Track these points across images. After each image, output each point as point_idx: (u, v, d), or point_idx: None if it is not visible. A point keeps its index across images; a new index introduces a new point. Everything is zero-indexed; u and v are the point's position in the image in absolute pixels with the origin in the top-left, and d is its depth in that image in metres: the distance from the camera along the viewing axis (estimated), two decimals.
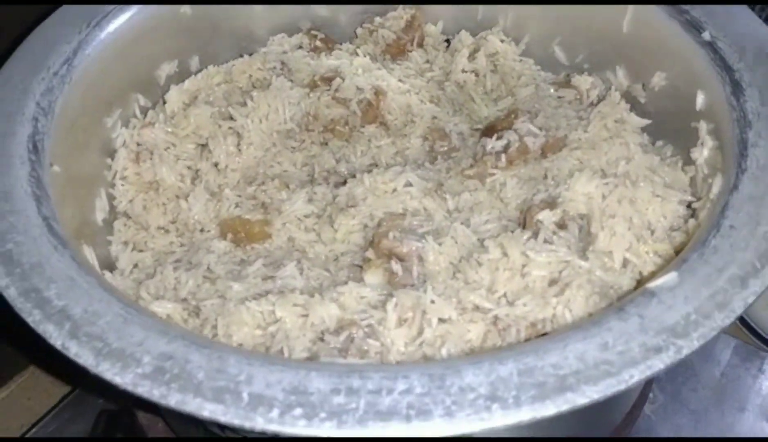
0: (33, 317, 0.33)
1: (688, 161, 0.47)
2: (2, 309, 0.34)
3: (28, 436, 0.53)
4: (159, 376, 0.30)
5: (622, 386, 0.30)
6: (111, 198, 0.51)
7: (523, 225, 0.46)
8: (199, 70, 0.57)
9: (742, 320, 0.59)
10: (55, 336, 0.32)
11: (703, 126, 0.46)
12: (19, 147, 0.42)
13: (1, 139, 0.42)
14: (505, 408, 0.29)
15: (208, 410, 0.29)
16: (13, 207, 0.38)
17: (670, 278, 0.34)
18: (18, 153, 0.41)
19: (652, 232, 0.44)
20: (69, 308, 0.33)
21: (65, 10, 0.50)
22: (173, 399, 0.30)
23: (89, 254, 0.44)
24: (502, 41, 0.60)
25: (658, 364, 0.30)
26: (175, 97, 0.54)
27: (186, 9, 0.54)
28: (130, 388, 0.30)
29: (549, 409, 0.29)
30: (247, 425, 0.29)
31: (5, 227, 0.37)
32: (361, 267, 0.46)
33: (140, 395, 0.30)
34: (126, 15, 0.51)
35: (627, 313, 0.32)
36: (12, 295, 0.34)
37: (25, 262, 0.35)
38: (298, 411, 0.29)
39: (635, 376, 0.30)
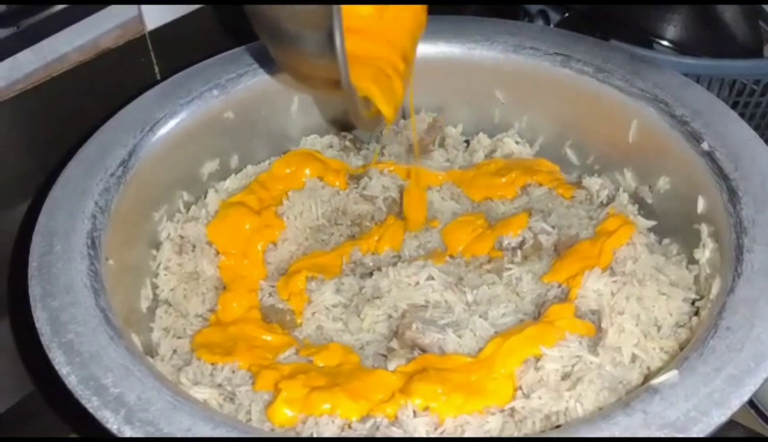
0: (92, 404, 0.37)
1: (693, 260, 0.51)
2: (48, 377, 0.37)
3: None
4: None
5: None
6: (154, 287, 0.55)
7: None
8: (239, 168, 0.62)
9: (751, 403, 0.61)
10: (112, 421, 0.36)
11: (704, 229, 0.50)
12: (79, 243, 0.46)
13: (64, 236, 0.46)
14: None
15: None
16: (74, 299, 0.42)
17: (671, 375, 0.37)
18: (78, 249, 0.46)
19: (659, 328, 0.47)
20: (124, 396, 0.37)
21: (121, 116, 0.56)
22: None
23: (135, 341, 0.47)
24: (516, 143, 0.65)
25: None
26: (214, 197, 0.59)
27: (229, 113, 0.60)
28: None
29: None
30: None
31: (67, 318, 0.41)
32: (385, 356, 0.50)
33: None
34: (175, 120, 0.57)
35: (632, 408, 0.35)
36: (72, 382, 0.38)
37: (84, 351, 0.39)
38: None
39: None
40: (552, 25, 0.73)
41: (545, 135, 0.64)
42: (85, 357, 0.39)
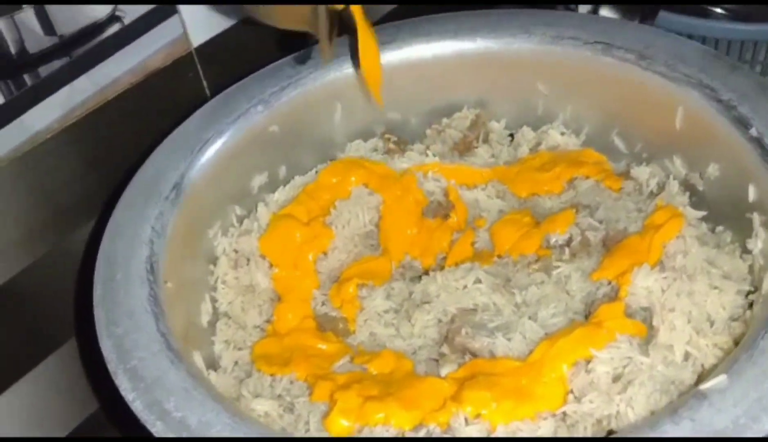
0: (156, 429, 0.39)
1: (747, 250, 0.50)
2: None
3: None
4: None
5: None
6: (213, 301, 0.57)
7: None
8: (287, 179, 0.64)
9: None
10: None
11: (756, 218, 0.49)
12: (138, 268, 0.48)
13: (124, 264, 0.49)
14: None
15: None
16: (136, 325, 0.45)
17: (720, 380, 0.36)
18: (138, 274, 0.48)
19: (712, 323, 0.46)
20: (186, 419, 0.39)
21: (171, 140, 0.58)
22: None
23: (197, 358, 0.50)
24: (562, 134, 0.64)
25: None
26: (264, 210, 0.61)
27: (274, 127, 0.61)
28: None
29: None
30: None
31: (130, 345, 0.43)
32: (437, 361, 0.51)
33: None
34: (222, 139, 0.58)
35: (680, 417, 0.35)
36: (138, 408, 0.40)
37: (147, 376, 0.42)
38: None
39: None
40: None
41: (591, 125, 0.64)
42: (148, 382, 0.41)
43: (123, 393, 0.41)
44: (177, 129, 0.59)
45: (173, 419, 0.39)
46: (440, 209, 0.61)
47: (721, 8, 0.79)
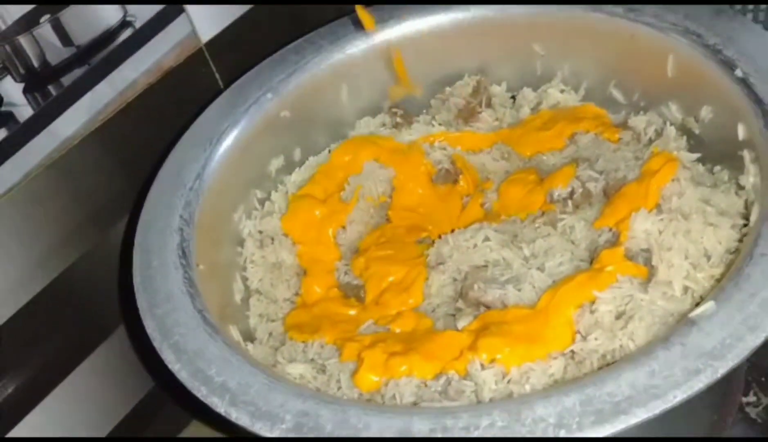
0: (201, 392, 0.43)
1: (742, 186, 0.52)
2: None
3: None
4: (298, 429, 0.40)
5: (668, 405, 0.36)
6: (244, 279, 0.61)
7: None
8: (302, 160, 0.68)
9: None
10: (220, 405, 0.42)
11: (746, 155, 0.51)
12: (172, 255, 0.53)
13: (158, 252, 0.53)
14: (570, 432, 0.36)
15: None
16: (175, 306, 0.49)
17: (708, 306, 0.39)
18: (172, 260, 0.52)
19: (708, 258, 0.49)
20: (227, 383, 0.43)
21: (190, 134, 0.62)
22: None
23: (234, 332, 0.54)
24: (561, 91, 0.67)
25: (699, 384, 0.36)
26: (283, 191, 0.65)
27: (285, 112, 0.65)
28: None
29: (606, 430, 0.36)
30: None
31: (171, 323, 0.48)
32: (454, 316, 0.54)
33: None
34: (237, 128, 0.62)
35: (671, 343, 0.38)
36: (184, 376, 0.44)
37: (189, 349, 0.46)
38: None
39: (678, 396, 0.36)
40: None
41: (589, 80, 0.66)
42: (190, 354, 0.45)
43: (169, 365, 0.45)
44: (194, 123, 0.63)
45: (215, 384, 0.43)
46: (449, 176, 0.64)
47: None
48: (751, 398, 0.60)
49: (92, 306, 0.65)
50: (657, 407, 0.36)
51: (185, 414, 0.72)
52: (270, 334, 0.58)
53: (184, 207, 0.56)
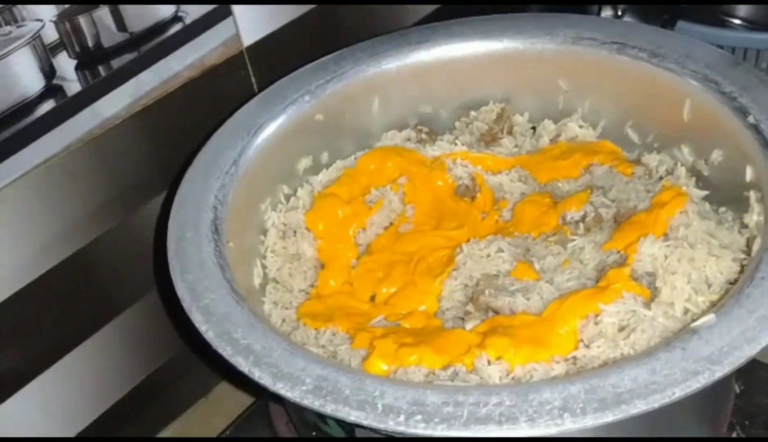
0: (226, 352, 0.46)
1: (745, 225, 0.56)
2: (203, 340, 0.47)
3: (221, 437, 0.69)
4: (318, 392, 0.42)
5: (666, 400, 0.38)
6: (263, 267, 0.64)
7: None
8: (329, 163, 0.71)
9: None
10: (244, 365, 0.45)
11: (752, 195, 0.55)
12: (205, 229, 0.55)
13: (193, 225, 0.56)
14: (574, 416, 0.39)
15: (354, 416, 0.41)
16: (207, 274, 0.52)
17: (709, 318, 0.42)
18: (205, 234, 0.55)
19: (709, 285, 0.52)
20: (251, 345, 0.46)
21: (231, 123, 0.65)
22: (329, 408, 0.41)
23: None
24: (580, 127, 0.71)
25: (696, 384, 0.39)
26: (309, 190, 0.68)
27: (319, 116, 0.68)
28: (298, 400, 0.42)
29: (608, 417, 0.38)
30: (382, 426, 0.40)
31: (203, 288, 0.50)
32: (463, 319, 0.57)
33: (305, 405, 0.42)
34: (275, 124, 0.65)
35: (673, 346, 0.41)
36: (211, 337, 0.47)
37: (218, 312, 0.48)
38: (418, 417, 0.40)
39: (677, 393, 0.39)
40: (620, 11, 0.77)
41: (607, 118, 0.70)
42: (218, 317, 0.48)
43: (197, 325, 0.48)
44: (235, 114, 0.66)
45: (241, 345, 0.46)
46: (468, 192, 0.68)
47: (739, 19, 0.83)
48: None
49: (109, 282, 0.68)
50: (656, 401, 0.38)
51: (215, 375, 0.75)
52: (283, 320, 0.60)
53: (219, 188, 0.59)
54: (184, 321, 0.49)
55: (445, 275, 0.59)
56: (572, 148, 0.68)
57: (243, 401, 0.75)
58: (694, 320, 0.48)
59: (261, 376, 0.44)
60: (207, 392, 0.79)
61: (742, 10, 0.81)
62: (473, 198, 0.67)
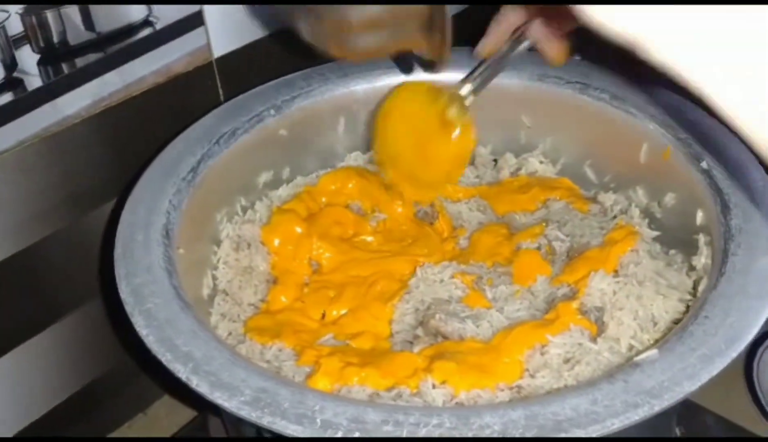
0: (166, 358, 0.44)
1: (693, 267, 0.57)
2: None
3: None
4: (256, 403, 0.41)
5: (605, 431, 0.38)
6: (214, 278, 0.63)
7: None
8: (290, 178, 0.70)
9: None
10: (182, 371, 0.43)
11: (701, 238, 0.56)
12: (156, 233, 0.54)
13: (143, 228, 0.55)
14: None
15: (291, 429, 0.40)
16: (154, 278, 0.50)
17: (652, 354, 0.43)
18: (156, 238, 0.54)
19: (655, 323, 0.53)
20: (192, 353, 0.45)
21: (193, 129, 0.64)
22: (266, 420, 0.40)
23: None
24: (540, 162, 0.72)
25: (635, 416, 0.39)
26: (268, 204, 0.67)
27: (283, 131, 0.68)
28: (235, 411, 0.41)
29: None
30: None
31: (148, 292, 0.49)
32: (412, 343, 0.56)
33: (242, 416, 0.41)
34: (237, 135, 0.65)
35: (615, 378, 0.41)
36: (151, 341, 0.46)
37: (160, 318, 0.47)
38: (357, 434, 0.39)
39: (615, 424, 0.39)
40: None
41: (567, 155, 0.71)
42: (161, 322, 0.47)
43: (138, 329, 0.46)
44: (199, 121, 0.65)
45: (181, 352, 0.45)
46: (426, 217, 0.68)
47: None
48: None
49: (52, 285, 0.66)
50: (595, 431, 0.38)
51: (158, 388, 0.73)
52: (230, 333, 0.59)
53: (174, 193, 0.58)
54: (125, 332, 0.48)
55: (397, 298, 0.58)
56: (531, 183, 0.69)
57: (182, 419, 0.73)
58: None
59: (199, 383, 0.42)
60: (146, 407, 0.76)
61: None
62: (431, 224, 0.67)
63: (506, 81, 0.69)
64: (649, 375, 0.41)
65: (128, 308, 0.48)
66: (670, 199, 0.61)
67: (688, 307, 0.53)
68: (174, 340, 0.46)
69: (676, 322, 0.53)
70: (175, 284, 0.51)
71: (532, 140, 0.72)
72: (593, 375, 0.48)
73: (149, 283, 0.50)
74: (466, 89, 0.59)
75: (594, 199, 0.66)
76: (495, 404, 0.44)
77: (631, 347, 0.51)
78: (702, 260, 0.55)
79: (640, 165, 0.64)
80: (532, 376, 0.50)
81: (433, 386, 0.49)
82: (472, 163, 0.73)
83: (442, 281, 0.59)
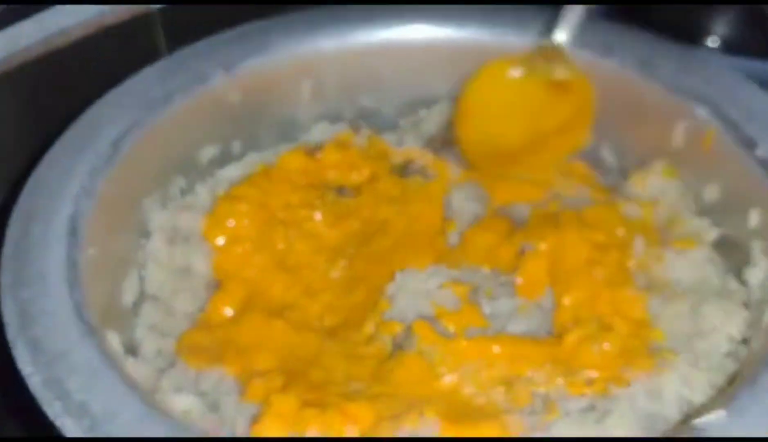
0: (53, 409, 0.32)
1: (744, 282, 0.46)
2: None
3: None
4: None
5: None
6: (141, 280, 0.50)
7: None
8: (240, 154, 0.58)
9: None
10: (73, 432, 0.31)
11: (756, 245, 0.45)
12: (59, 227, 0.42)
13: (43, 220, 0.42)
14: None
15: None
16: (46, 290, 0.38)
17: (718, 416, 0.31)
18: (57, 234, 0.42)
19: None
20: (88, 403, 0.32)
21: (116, 93, 0.52)
22: None
23: (114, 340, 0.43)
24: None
25: None
26: (212, 186, 0.55)
27: (234, 96, 0.56)
28: None
29: None
30: None
31: (36, 311, 0.37)
32: None
33: None
34: (174, 100, 0.53)
35: None
36: (35, 383, 0.33)
37: (51, 349, 0.35)
38: None
39: None
40: None
41: None
42: (50, 356, 0.35)
43: (20, 365, 0.35)
44: (125, 82, 0.53)
45: (73, 402, 0.33)
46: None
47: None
48: None
49: None
50: None
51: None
52: (159, 351, 0.47)
53: (88, 174, 0.46)
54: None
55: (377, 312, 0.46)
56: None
57: None
58: (687, 410, 0.37)
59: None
60: None
61: (716, 31, 0.73)
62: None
63: (508, 39, 0.58)
64: None
65: (10, 335, 0.36)
66: (711, 193, 0.50)
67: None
68: (66, 383, 0.33)
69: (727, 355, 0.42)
70: (77, 299, 0.38)
71: None
72: (630, 435, 0.36)
73: (41, 296, 0.38)
74: (561, 35, 0.49)
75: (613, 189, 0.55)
76: None
77: (680, 397, 0.39)
78: (758, 273, 0.44)
79: (673, 149, 0.52)
80: (546, 429, 0.38)
81: None
82: None
83: (428, 291, 0.47)
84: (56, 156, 0.47)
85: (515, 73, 0.51)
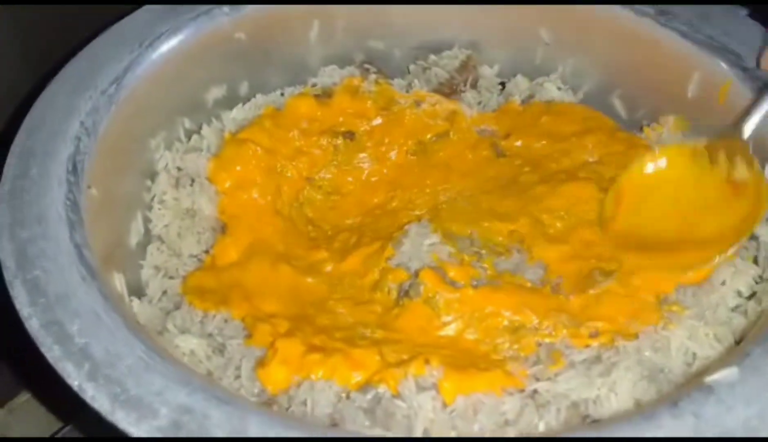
0: (52, 353, 0.32)
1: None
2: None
3: None
4: (175, 431, 0.29)
5: None
6: (146, 221, 0.50)
7: None
8: (248, 96, 0.57)
9: None
10: (74, 376, 0.31)
11: None
12: (58, 167, 0.41)
13: (41, 159, 0.41)
14: None
15: None
16: (46, 231, 0.37)
17: (730, 373, 0.31)
18: (57, 174, 0.41)
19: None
20: (90, 347, 0.32)
21: (118, 28, 0.50)
22: None
23: (118, 281, 0.43)
24: (558, 89, 0.59)
25: None
26: (219, 127, 0.54)
27: (241, 34, 0.54)
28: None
29: None
30: None
31: (35, 252, 0.36)
32: None
33: None
34: (179, 37, 0.51)
35: (681, 410, 0.30)
36: (33, 326, 0.33)
37: (51, 292, 0.34)
38: None
39: None
40: None
41: (592, 82, 0.58)
42: (50, 298, 0.34)
43: (18, 307, 0.34)
44: (126, 18, 0.51)
45: (75, 346, 0.32)
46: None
47: None
48: None
49: None
50: None
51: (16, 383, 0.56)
52: (164, 292, 0.47)
53: (89, 113, 0.45)
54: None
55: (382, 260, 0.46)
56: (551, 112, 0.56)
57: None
58: (692, 362, 0.37)
59: (95, 396, 0.30)
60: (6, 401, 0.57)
61: None
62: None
63: None
64: (729, 407, 0.30)
65: (8, 275, 0.35)
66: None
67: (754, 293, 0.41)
68: (66, 326, 0.33)
69: (733, 309, 0.41)
70: (78, 241, 0.38)
71: (549, 61, 0.59)
72: (635, 387, 0.36)
73: (40, 237, 0.37)
74: (749, 130, 0.43)
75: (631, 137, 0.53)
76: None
77: (686, 350, 0.39)
78: None
79: (687, 100, 0.51)
80: (551, 379, 0.38)
81: (417, 388, 0.37)
82: (474, 86, 0.59)
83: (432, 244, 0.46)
84: (55, 93, 0.46)
85: (692, 163, 0.46)
